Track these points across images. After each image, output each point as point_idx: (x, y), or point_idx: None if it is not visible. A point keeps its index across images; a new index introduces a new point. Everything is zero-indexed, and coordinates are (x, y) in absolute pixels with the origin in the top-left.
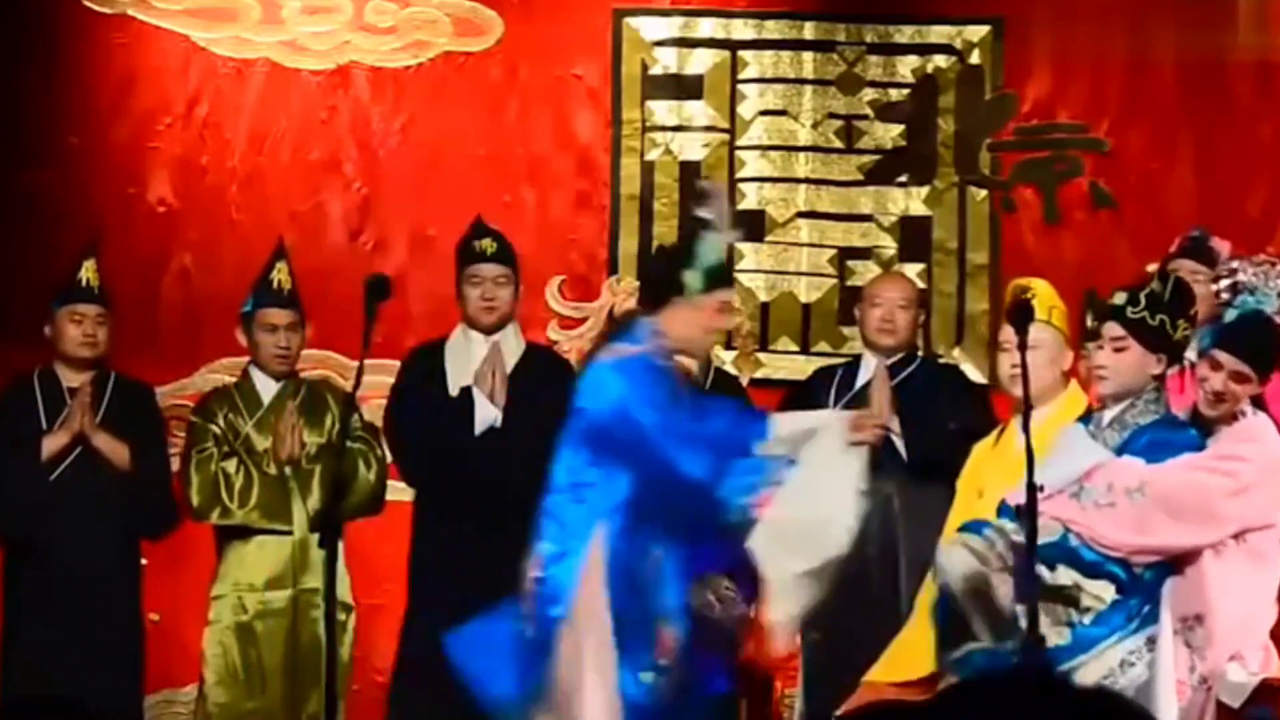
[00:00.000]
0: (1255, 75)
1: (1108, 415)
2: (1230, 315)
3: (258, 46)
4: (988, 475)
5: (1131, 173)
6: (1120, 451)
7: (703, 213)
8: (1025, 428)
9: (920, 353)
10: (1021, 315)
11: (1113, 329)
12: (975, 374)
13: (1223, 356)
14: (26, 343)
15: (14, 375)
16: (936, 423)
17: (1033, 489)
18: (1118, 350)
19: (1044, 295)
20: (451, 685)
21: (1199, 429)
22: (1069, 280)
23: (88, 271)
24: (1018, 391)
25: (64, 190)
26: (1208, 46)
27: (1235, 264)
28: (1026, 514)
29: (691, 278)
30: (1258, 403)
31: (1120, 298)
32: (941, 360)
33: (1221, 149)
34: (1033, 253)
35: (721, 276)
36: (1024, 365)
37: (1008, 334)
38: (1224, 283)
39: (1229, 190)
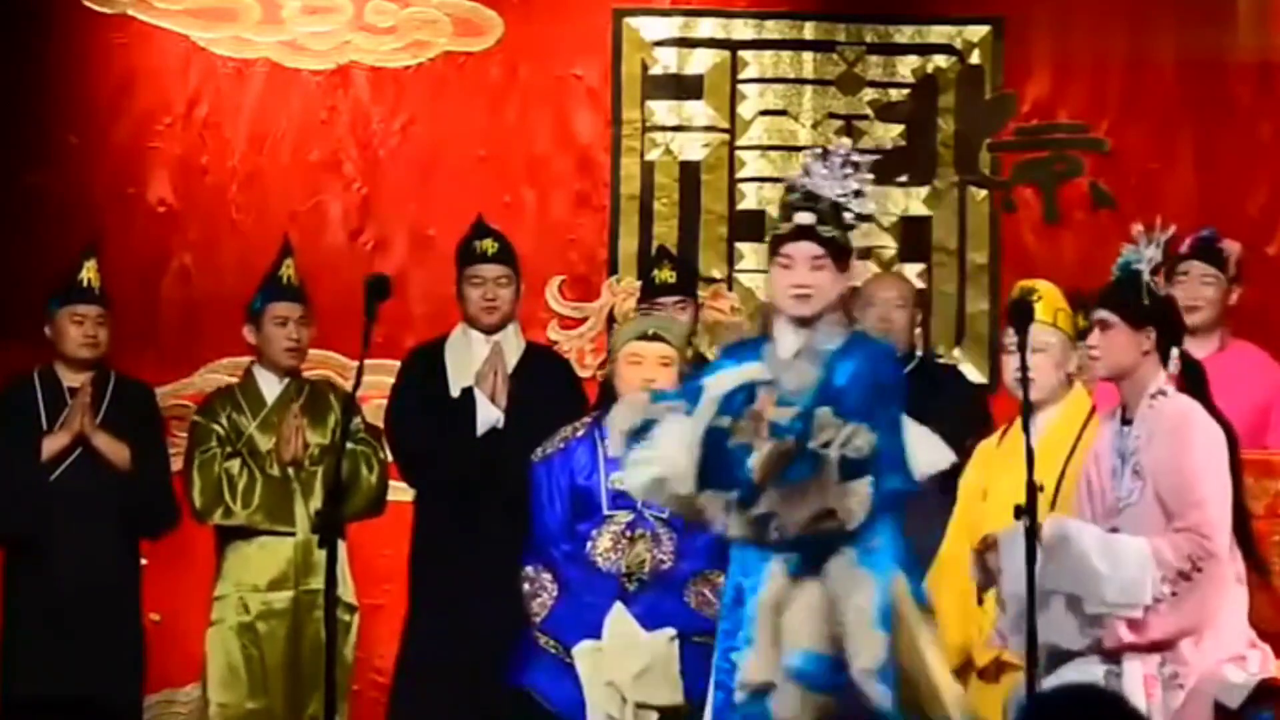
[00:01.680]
0: (1255, 75)
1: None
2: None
3: (258, 46)
4: (991, 476)
5: (1131, 173)
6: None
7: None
8: (1026, 428)
9: (919, 353)
10: (1021, 316)
11: (1099, 313)
12: (975, 374)
13: (1096, 314)
14: (27, 342)
15: (14, 375)
16: (936, 423)
17: (1033, 489)
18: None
19: (1049, 297)
20: (452, 685)
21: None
22: (1069, 280)
23: (88, 272)
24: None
25: (64, 190)
26: (1208, 46)
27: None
28: (1027, 514)
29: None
30: (1195, 383)
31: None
32: (941, 360)
33: (1221, 149)
34: (1033, 253)
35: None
36: (1024, 365)
37: (1011, 335)
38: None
39: (1229, 190)
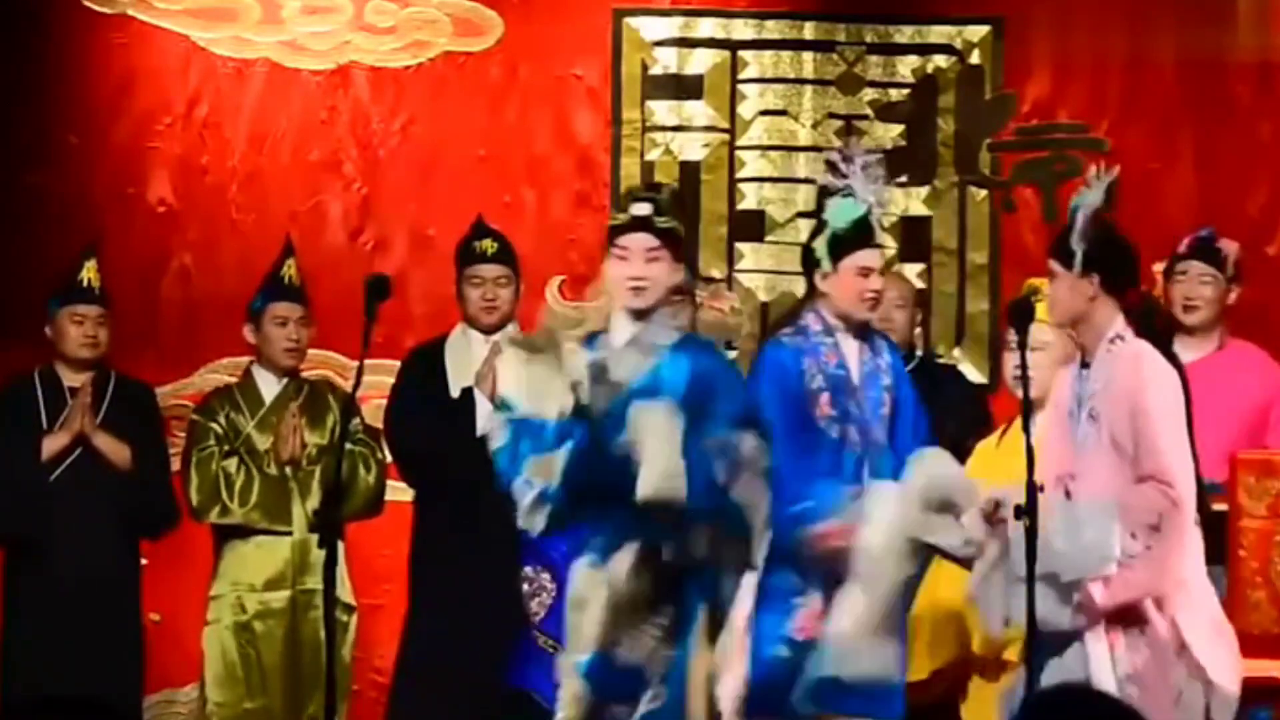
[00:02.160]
0: (1255, 75)
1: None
2: None
3: (258, 46)
4: (991, 475)
5: (1131, 173)
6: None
7: (832, 179)
8: (1026, 428)
9: (920, 353)
10: (1021, 315)
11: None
12: (975, 374)
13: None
14: (27, 342)
15: (14, 375)
16: (936, 423)
17: (1032, 488)
18: (1051, 280)
19: None
20: (451, 685)
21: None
22: None
23: (88, 272)
24: (1020, 392)
25: (64, 190)
26: (1208, 46)
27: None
28: (1027, 513)
29: (820, 248)
30: (1151, 324)
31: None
32: (940, 360)
33: (1221, 149)
34: (1033, 253)
35: (852, 241)
36: (1024, 364)
37: (1013, 333)
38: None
39: (1229, 190)
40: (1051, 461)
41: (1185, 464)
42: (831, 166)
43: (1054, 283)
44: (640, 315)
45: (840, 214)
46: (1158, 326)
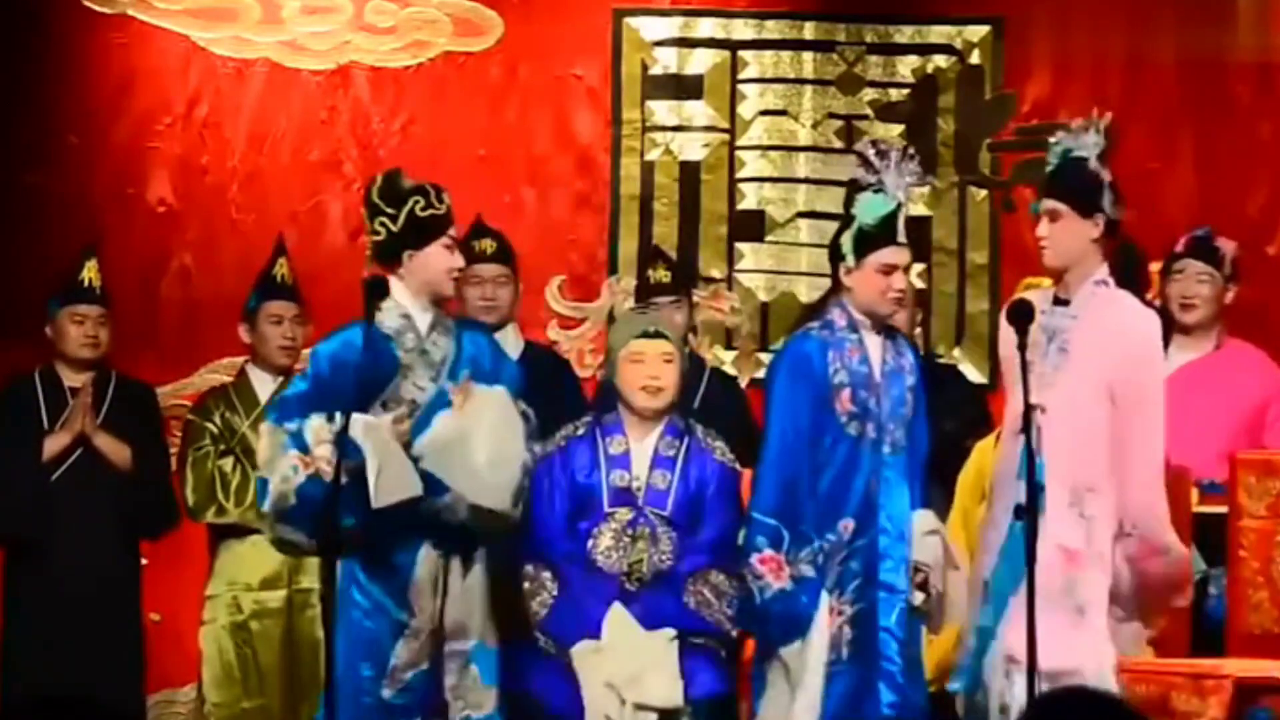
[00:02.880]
0: (1255, 75)
1: None
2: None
3: (258, 46)
4: (990, 475)
5: (1132, 173)
6: None
7: (862, 173)
8: (1026, 428)
9: (919, 352)
10: (1022, 314)
11: (1047, 203)
12: (975, 374)
13: (1044, 204)
14: (27, 342)
15: (14, 374)
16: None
17: (1033, 488)
18: (1053, 220)
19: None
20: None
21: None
22: None
23: (89, 272)
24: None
25: (64, 190)
26: (1208, 46)
27: (1059, 134)
28: (1026, 513)
29: (846, 243)
30: (1129, 271)
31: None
32: (940, 360)
33: (1221, 149)
34: (1033, 253)
35: (878, 238)
36: (1024, 364)
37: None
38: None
39: (1229, 190)
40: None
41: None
42: (864, 161)
43: (1057, 224)
44: (438, 302)
45: (869, 209)
46: (1135, 274)
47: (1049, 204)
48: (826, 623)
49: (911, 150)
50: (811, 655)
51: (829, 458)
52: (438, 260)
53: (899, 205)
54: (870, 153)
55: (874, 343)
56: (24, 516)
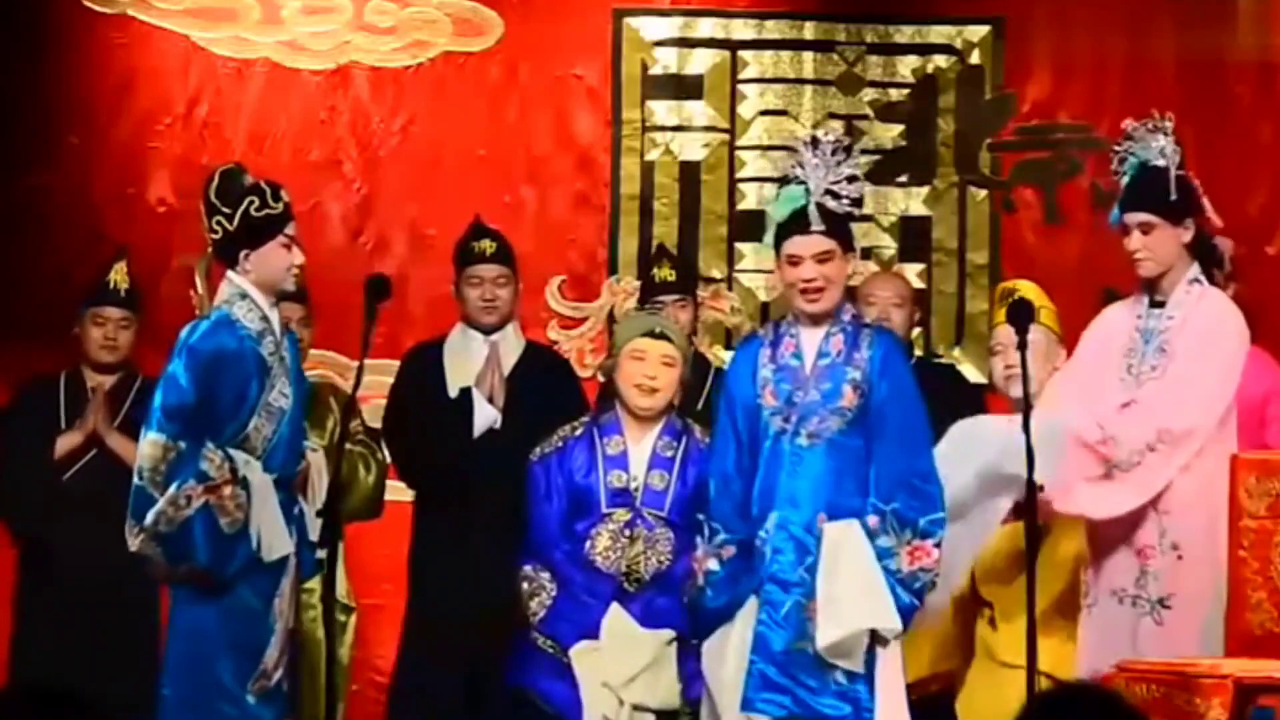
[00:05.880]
0: (1255, 75)
1: None
2: (1124, 182)
3: (258, 46)
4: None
5: None
6: None
7: (793, 169)
8: (1025, 428)
9: (919, 352)
10: (1021, 315)
11: (1137, 216)
12: (975, 374)
13: (1128, 218)
14: (27, 342)
15: (16, 376)
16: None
17: (1032, 488)
18: (1146, 233)
19: (1033, 296)
20: (451, 685)
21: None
22: (1069, 280)
23: (116, 274)
24: (1014, 392)
25: (64, 190)
26: (1208, 46)
27: (1125, 143)
28: (1026, 513)
29: (766, 236)
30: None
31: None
32: (940, 360)
33: (1221, 149)
34: (1033, 253)
35: (788, 229)
36: (1024, 364)
37: (1001, 336)
38: (1118, 163)
39: (1229, 190)
40: (1093, 391)
41: (1211, 406)
42: (793, 153)
43: (1151, 235)
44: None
45: (780, 202)
46: (1214, 271)
47: (1140, 217)
48: (750, 618)
49: (852, 145)
50: (730, 649)
51: (758, 452)
52: (275, 259)
53: (808, 193)
54: (800, 145)
55: (811, 336)
56: (38, 515)
